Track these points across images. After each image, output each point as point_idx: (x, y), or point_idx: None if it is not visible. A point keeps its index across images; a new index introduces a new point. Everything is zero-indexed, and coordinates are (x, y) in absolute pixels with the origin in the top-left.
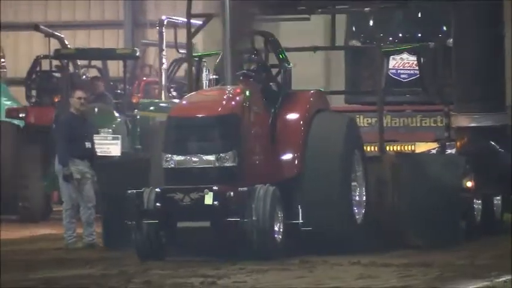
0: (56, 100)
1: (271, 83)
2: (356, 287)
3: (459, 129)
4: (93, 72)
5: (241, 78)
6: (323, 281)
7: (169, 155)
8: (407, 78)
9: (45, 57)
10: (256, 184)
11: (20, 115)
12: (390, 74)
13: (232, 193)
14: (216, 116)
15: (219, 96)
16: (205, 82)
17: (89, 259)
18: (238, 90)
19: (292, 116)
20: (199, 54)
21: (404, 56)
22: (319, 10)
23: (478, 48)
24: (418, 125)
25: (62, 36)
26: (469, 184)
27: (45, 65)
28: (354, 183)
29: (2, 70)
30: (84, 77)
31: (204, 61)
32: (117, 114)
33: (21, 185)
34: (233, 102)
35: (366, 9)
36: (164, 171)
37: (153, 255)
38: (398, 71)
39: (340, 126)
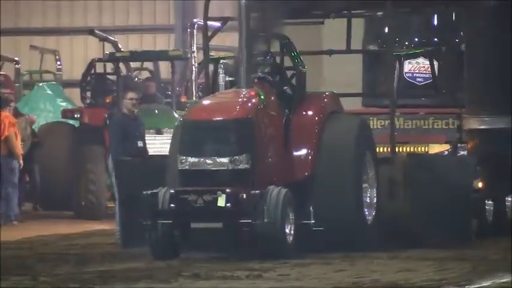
0: (108, 101)
1: (285, 86)
2: (395, 279)
3: (470, 131)
4: (145, 74)
5: (256, 81)
6: (364, 274)
7: (184, 157)
8: (423, 81)
9: (100, 60)
10: (269, 185)
11: (75, 116)
12: (406, 78)
13: (244, 195)
14: (231, 120)
15: (233, 99)
16: (221, 84)
17: (138, 253)
18: (252, 93)
19: (306, 118)
20: (216, 57)
21: (420, 60)
22: (333, 14)
23: (489, 53)
24: (430, 127)
25: (116, 40)
26: (480, 185)
27: (99, 67)
28: (365, 185)
29: (58, 73)
30: (136, 79)
31: (221, 63)
32: (176, 115)
33: (89, 180)
34: (247, 106)
35: (379, 13)
36: (179, 173)
37: (167, 255)
38: (414, 75)
39: (352, 128)
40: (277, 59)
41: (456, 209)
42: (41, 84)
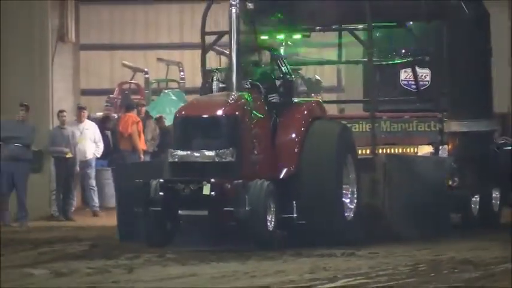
0: None
1: (274, 93)
2: None
3: (451, 134)
4: None
5: (246, 86)
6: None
7: (175, 150)
8: (416, 88)
9: (216, 70)
10: (253, 179)
11: None
12: (402, 85)
13: (228, 185)
14: (218, 116)
15: (222, 99)
16: (215, 90)
17: None
18: (240, 95)
19: (292, 122)
20: (213, 68)
21: (415, 69)
22: (318, 28)
23: (468, 62)
24: (414, 129)
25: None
26: (456, 183)
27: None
28: (346, 185)
29: (181, 81)
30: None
31: (216, 72)
32: None
33: None
34: (234, 105)
35: (360, 26)
36: (169, 165)
37: (160, 241)
38: (409, 82)
39: (334, 132)
40: (267, 69)
41: (433, 204)
42: (166, 91)
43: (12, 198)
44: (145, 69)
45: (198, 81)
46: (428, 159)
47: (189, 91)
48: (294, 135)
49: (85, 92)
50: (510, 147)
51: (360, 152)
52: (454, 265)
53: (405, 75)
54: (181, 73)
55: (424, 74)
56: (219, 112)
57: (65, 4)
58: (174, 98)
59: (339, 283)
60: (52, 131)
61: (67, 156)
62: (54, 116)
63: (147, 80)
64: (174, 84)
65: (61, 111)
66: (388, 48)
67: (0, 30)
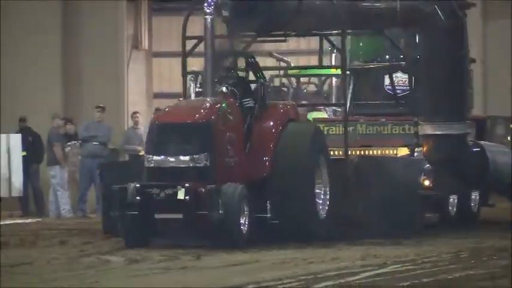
0: None
1: (248, 97)
2: None
3: (426, 137)
4: (311, 87)
5: (220, 91)
6: None
7: (151, 156)
8: (401, 93)
9: (277, 76)
10: (227, 183)
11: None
12: (386, 90)
13: (202, 189)
14: (192, 123)
15: (196, 105)
16: (192, 95)
17: None
18: (214, 101)
19: (266, 125)
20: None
21: (399, 74)
22: (293, 33)
23: (443, 68)
24: (389, 132)
25: (289, 60)
26: (427, 183)
27: (276, 81)
28: (319, 185)
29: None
30: (305, 90)
31: (192, 76)
32: None
33: None
34: (208, 111)
35: (334, 31)
36: (146, 170)
37: (137, 243)
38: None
39: (306, 134)
40: (242, 73)
41: (403, 203)
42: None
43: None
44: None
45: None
46: (400, 161)
47: None
48: (268, 138)
49: (157, 96)
50: (478, 149)
51: (335, 153)
52: (493, 252)
53: (389, 80)
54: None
55: (404, 79)
56: (194, 118)
57: (138, 15)
58: None
59: (388, 269)
60: (127, 130)
61: (140, 154)
62: (128, 117)
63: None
64: None
65: (135, 113)
66: (371, 54)
67: (81, 41)
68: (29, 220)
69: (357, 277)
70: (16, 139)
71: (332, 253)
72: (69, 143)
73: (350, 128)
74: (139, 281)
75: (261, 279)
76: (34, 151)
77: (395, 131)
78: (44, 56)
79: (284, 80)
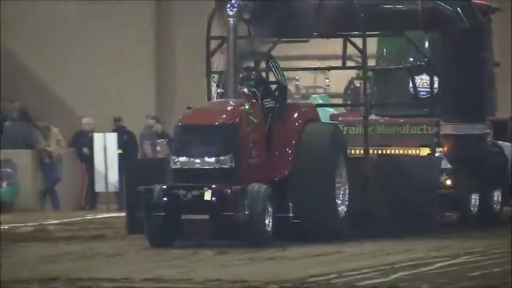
0: None
1: (269, 98)
2: None
3: (446, 136)
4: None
5: (242, 92)
6: None
7: (176, 157)
8: (425, 95)
9: (356, 78)
10: (251, 183)
11: (339, 118)
12: (411, 91)
13: (228, 191)
14: (217, 125)
15: (220, 107)
16: (214, 95)
17: None
18: (237, 103)
19: (286, 126)
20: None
21: (424, 76)
22: (315, 34)
23: (463, 70)
24: (408, 132)
25: None
26: (448, 182)
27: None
28: (338, 184)
29: (327, 87)
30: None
31: (213, 77)
32: None
33: None
34: (232, 113)
35: (356, 33)
36: (172, 171)
37: (162, 243)
38: (418, 89)
39: (326, 134)
40: (263, 75)
41: (420, 201)
42: (314, 95)
43: None
44: (296, 77)
45: (341, 87)
46: (419, 160)
47: (333, 95)
48: (288, 139)
49: None
50: (497, 149)
51: (354, 152)
52: None
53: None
54: (327, 80)
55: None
56: (219, 120)
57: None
58: (320, 101)
59: (460, 260)
60: None
61: None
62: None
63: (297, 87)
64: (320, 90)
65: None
66: (397, 56)
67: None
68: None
69: (431, 267)
70: (112, 138)
71: (408, 245)
72: (158, 141)
73: (369, 128)
74: (230, 270)
75: (342, 269)
76: (129, 149)
77: (413, 131)
78: (138, 56)
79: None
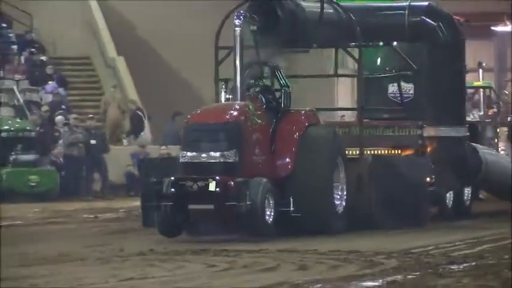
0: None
1: (273, 103)
2: None
3: (430, 138)
4: None
5: (248, 95)
6: None
7: (185, 152)
8: (405, 99)
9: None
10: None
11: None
12: (390, 97)
13: (231, 182)
14: (222, 122)
15: (226, 107)
16: (222, 100)
17: None
18: (242, 104)
19: (289, 128)
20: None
21: (402, 83)
22: (315, 45)
23: (445, 79)
24: (395, 134)
25: None
26: (429, 180)
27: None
28: (336, 183)
29: None
30: None
31: (223, 84)
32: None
33: None
34: (237, 112)
35: (352, 43)
36: (181, 165)
37: (171, 232)
38: (396, 95)
39: (326, 137)
40: (268, 82)
41: (410, 198)
42: None
43: None
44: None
45: None
46: (408, 160)
47: None
48: (290, 141)
49: None
50: (472, 150)
51: (349, 152)
52: None
53: (392, 88)
54: None
55: (409, 87)
56: (224, 119)
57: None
58: None
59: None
60: None
61: None
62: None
63: None
64: None
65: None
66: (379, 65)
67: None
68: None
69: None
70: None
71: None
72: None
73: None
74: (347, 243)
75: (438, 242)
76: None
77: (401, 133)
78: None
79: None
